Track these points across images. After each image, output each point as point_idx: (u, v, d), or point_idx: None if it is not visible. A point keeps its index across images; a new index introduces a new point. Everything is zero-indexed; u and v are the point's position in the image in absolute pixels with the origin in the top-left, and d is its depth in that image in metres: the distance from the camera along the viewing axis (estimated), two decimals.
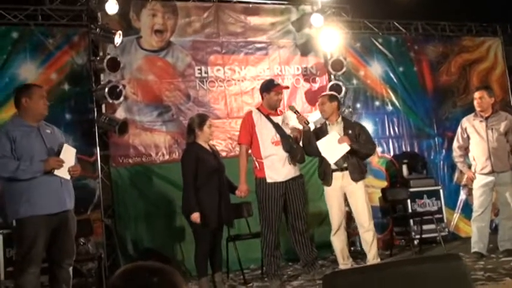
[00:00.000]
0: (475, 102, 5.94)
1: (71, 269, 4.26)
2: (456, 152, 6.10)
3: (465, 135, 5.99)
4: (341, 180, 5.49)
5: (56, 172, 4.06)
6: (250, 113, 5.55)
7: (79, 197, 6.02)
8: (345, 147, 5.35)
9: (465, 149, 6.04)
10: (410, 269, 1.94)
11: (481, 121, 5.88)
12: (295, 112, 5.44)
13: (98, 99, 6.34)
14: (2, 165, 3.97)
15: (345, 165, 5.47)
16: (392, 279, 1.88)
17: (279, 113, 5.49)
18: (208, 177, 4.97)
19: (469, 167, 6.03)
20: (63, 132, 6.05)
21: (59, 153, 4.11)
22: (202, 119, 5.17)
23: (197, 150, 5.04)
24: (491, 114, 5.89)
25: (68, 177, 4.17)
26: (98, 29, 6.27)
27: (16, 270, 4.14)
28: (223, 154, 6.36)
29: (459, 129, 6.07)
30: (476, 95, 5.96)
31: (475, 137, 5.91)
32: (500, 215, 6.07)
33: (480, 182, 5.86)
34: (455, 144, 6.12)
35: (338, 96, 6.32)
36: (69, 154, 4.18)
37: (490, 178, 5.80)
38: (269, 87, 5.44)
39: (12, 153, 3.99)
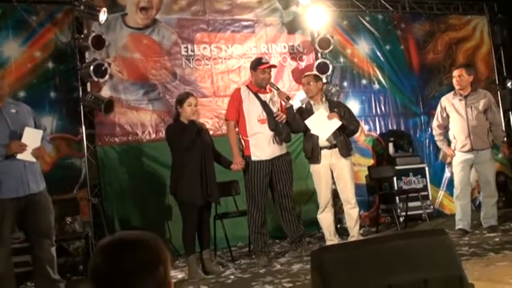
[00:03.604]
0: (454, 81, 5.98)
1: (53, 249, 4.23)
2: (436, 131, 6.18)
3: (444, 114, 6.04)
4: (329, 157, 5.54)
5: (19, 156, 4.01)
6: (238, 89, 5.57)
7: (65, 176, 6.10)
8: (336, 123, 5.40)
9: (444, 128, 6.11)
10: (397, 244, 1.96)
11: (460, 99, 5.92)
12: (275, 89, 5.48)
13: (83, 77, 6.26)
14: None
15: (334, 142, 5.51)
16: (379, 253, 1.91)
17: (268, 91, 5.49)
18: (189, 154, 4.96)
19: (449, 144, 6.10)
20: (48, 111, 6.09)
21: (21, 136, 4.03)
22: (182, 97, 5.15)
23: (177, 128, 5.03)
24: (471, 92, 5.92)
25: (33, 159, 4.12)
26: (81, 6, 6.16)
27: None
28: (210, 133, 6.33)
29: (438, 108, 6.14)
30: (455, 73, 5.99)
31: (454, 115, 5.95)
32: (482, 193, 6.15)
33: (459, 158, 5.93)
34: (434, 123, 6.20)
35: (321, 76, 6.35)
36: (32, 137, 4.09)
37: (469, 156, 5.87)
38: (256, 65, 5.45)
39: None
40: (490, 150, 5.94)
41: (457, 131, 5.94)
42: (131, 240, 1.35)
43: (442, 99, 6.14)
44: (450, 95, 6.06)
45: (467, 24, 8.83)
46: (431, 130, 8.04)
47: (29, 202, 4.10)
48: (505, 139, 6.16)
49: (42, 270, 4.17)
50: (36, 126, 4.29)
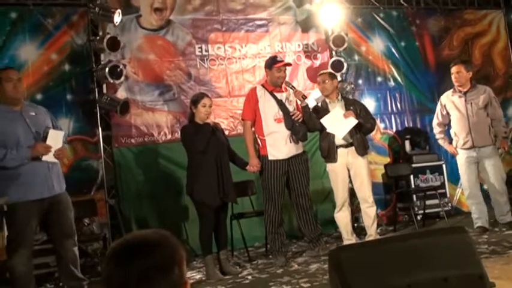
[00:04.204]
0: (453, 77, 5.88)
1: (76, 248, 4.32)
2: (436, 129, 6.12)
3: (444, 112, 5.98)
4: (346, 156, 5.51)
5: (44, 158, 4.09)
6: (254, 89, 5.56)
7: (82, 178, 6.14)
8: (353, 121, 5.37)
9: (445, 126, 6.05)
10: (416, 242, 1.94)
11: (460, 96, 5.85)
12: (291, 88, 5.47)
13: (98, 79, 6.30)
14: None
15: (351, 140, 5.48)
16: (398, 252, 1.89)
17: (283, 89, 5.48)
18: (205, 155, 4.97)
19: (450, 142, 6.03)
20: (65, 113, 6.15)
21: (45, 138, 4.11)
22: (197, 98, 5.17)
23: (191, 130, 5.04)
24: (470, 89, 5.83)
25: (56, 160, 4.20)
26: (96, 8, 6.19)
27: (8, 252, 4.18)
28: (225, 133, 6.34)
29: (438, 106, 6.08)
30: (453, 69, 5.89)
31: (454, 113, 5.88)
32: (490, 191, 5.97)
33: (463, 157, 5.86)
34: (434, 122, 6.14)
35: (336, 74, 6.33)
36: (55, 138, 4.19)
37: (473, 153, 5.79)
38: (271, 64, 5.44)
39: None
40: (493, 146, 5.83)
41: (458, 128, 5.86)
42: (143, 243, 1.31)
43: (442, 96, 6.08)
44: (450, 92, 5.98)
45: (483, 19, 8.73)
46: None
47: (52, 203, 4.18)
48: (506, 134, 5.99)
49: (67, 270, 4.27)
50: (54, 127, 4.37)
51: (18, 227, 4.03)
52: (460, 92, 5.85)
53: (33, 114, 4.26)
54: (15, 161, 4.02)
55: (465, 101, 5.80)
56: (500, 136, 5.89)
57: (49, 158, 4.12)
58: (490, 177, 5.85)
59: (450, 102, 5.91)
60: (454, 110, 5.87)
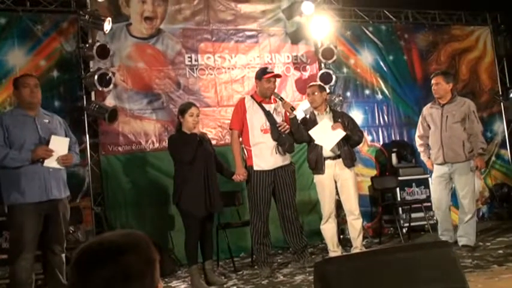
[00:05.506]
0: (432, 89, 5.78)
1: (63, 255, 4.33)
2: (418, 142, 6.02)
3: (425, 124, 5.87)
4: (333, 168, 5.51)
5: (46, 163, 4.12)
6: (243, 99, 5.58)
7: (68, 185, 6.02)
8: (340, 133, 5.39)
9: (427, 138, 5.89)
10: (401, 256, 1.95)
11: (437, 109, 5.73)
12: (280, 99, 5.48)
13: (87, 86, 6.29)
14: None
15: (338, 152, 5.50)
16: (383, 266, 1.90)
17: (272, 101, 5.50)
18: (192, 165, 4.96)
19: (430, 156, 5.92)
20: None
21: (48, 143, 4.16)
22: (184, 107, 5.16)
23: (178, 140, 5.04)
24: (449, 101, 5.68)
25: (59, 166, 4.22)
26: (86, 16, 6.19)
27: (10, 255, 4.24)
28: (213, 142, 6.34)
29: (420, 118, 5.98)
30: (433, 81, 5.76)
31: (432, 125, 5.78)
32: (459, 209, 5.79)
33: (436, 172, 5.76)
34: (416, 134, 6.04)
35: (325, 86, 6.36)
36: (59, 144, 4.22)
37: (445, 169, 5.66)
38: (261, 74, 5.46)
39: (5, 141, 4.08)
40: (466, 163, 5.60)
41: (432, 142, 5.76)
42: (108, 249, 1.24)
43: (424, 108, 5.97)
44: (430, 104, 5.88)
45: (470, 35, 8.86)
46: None
47: (52, 207, 4.19)
48: (483, 151, 5.71)
49: (53, 275, 4.26)
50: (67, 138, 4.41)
51: (17, 230, 4.07)
52: (438, 104, 5.73)
53: (47, 121, 4.32)
54: (16, 162, 4.05)
55: (441, 114, 5.67)
56: (475, 152, 5.63)
57: (51, 163, 4.14)
58: (459, 195, 5.68)
59: (429, 114, 5.82)
60: (431, 122, 5.78)
